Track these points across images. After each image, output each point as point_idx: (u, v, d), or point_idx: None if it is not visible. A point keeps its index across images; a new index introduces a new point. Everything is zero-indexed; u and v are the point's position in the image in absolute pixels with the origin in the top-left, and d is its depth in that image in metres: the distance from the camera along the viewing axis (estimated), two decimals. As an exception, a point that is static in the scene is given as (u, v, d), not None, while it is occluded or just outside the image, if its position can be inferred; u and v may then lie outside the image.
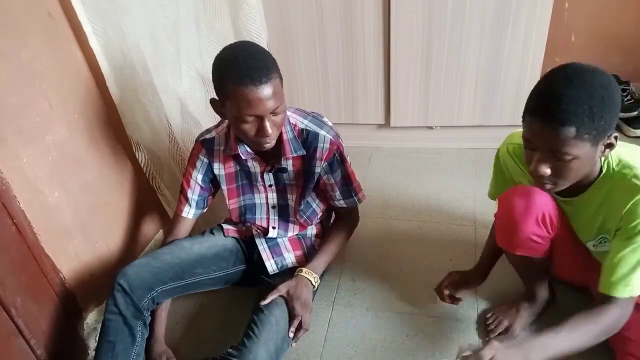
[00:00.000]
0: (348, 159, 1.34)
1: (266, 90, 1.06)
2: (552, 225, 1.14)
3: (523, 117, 0.94)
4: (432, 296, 1.42)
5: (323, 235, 1.49)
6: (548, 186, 0.98)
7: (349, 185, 1.35)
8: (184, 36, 1.61)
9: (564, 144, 0.88)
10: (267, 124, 1.11)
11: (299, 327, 1.24)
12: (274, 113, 1.11)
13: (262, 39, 1.91)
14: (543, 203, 1.11)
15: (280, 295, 1.26)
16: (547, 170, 0.93)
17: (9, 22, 1.10)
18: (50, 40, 1.21)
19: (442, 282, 1.37)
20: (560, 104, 0.86)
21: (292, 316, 1.24)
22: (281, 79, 1.13)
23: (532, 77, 1.91)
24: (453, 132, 2.16)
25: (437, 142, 2.21)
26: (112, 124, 1.44)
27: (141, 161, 1.52)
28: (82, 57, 1.32)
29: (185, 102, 1.65)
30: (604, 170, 1.01)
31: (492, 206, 1.25)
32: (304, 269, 1.33)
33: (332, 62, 2.06)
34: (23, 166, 1.16)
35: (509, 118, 2.03)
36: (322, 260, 1.38)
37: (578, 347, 1.04)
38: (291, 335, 1.23)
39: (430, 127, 2.16)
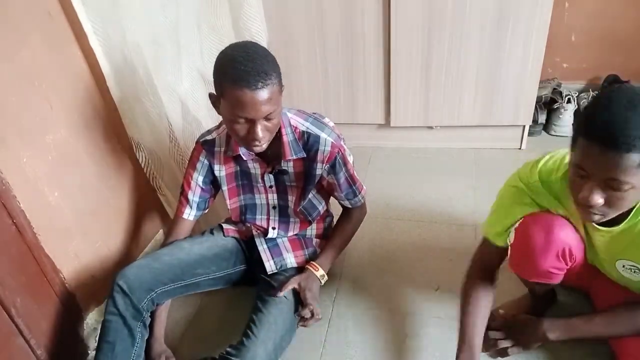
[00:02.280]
0: (351, 159, 1.33)
1: (261, 95, 1.05)
2: (571, 257, 1.08)
3: (574, 140, 0.87)
4: (432, 296, 1.42)
5: (324, 234, 1.49)
6: (597, 217, 0.91)
7: (352, 187, 1.36)
8: (185, 36, 1.61)
9: (625, 172, 0.81)
10: (258, 128, 1.10)
11: (310, 316, 1.26)
12: (267, 118, 1.10)
13: (262, 39, 1.91)
14: (565, 237, 1.05)
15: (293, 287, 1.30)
16: (600, 201, 0.86)
17: (9, 22, 1.10)
18: (50, 40, 1.21)
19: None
20: (625, 128, 0.79)
21: (303, 305, 1.27)
22: (281, 84, 1.11)
23: (532, 77, 1.91)
24: (453, 132, 2.16)
25: (437, 142, 2.21)
26: (112, 124, 1.44)
27: (141, 161, 1.52)
28: (82, 57, 1.32)
29: (186, 102, 1.65)
30: None
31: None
32: (312, 265, 1.36)
33: (332, 62, 2.06)
34: (23, 166, 1.16)
35: (509, 118, 2.04)
36: (329, 256, 1.40)
37: (613, 334, 1.09)
38: (297, 318, 1.26)
39: (431, 127, 2.16)
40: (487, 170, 2.02)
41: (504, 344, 1.26)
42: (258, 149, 1.16)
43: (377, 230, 1.76)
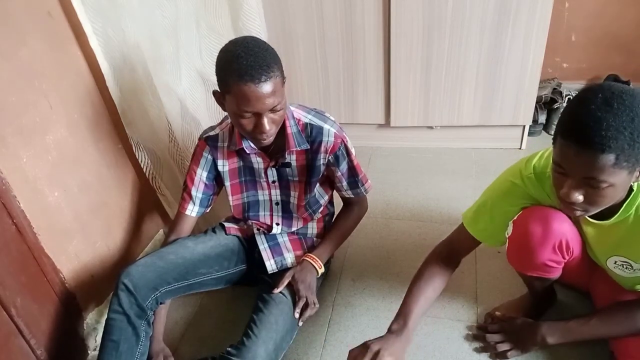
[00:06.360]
0: (353, 151, 1.34)
1: (265, 88, 1.07)
2: (568, 250, 1.09)
3: (554, 139, 0.88)
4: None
5: (324, 234, 1.49)
6: (578, 212, 0.92)
7: (355, 177, 1.37)
8: (184, 36, 1.61)
9: (601, 171, 0.81)
10: (265, 121, 1.11)
11: (305, 307, 1.27)
12: (273, 110, 1.12)
13: (262, 39, 1.91)
14: (562, 229, 1.07)
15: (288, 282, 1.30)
16: (579, 198, 0.87)
17: (9, 22, 1.10)
18: (50, 40, 1.21)
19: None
20: (599, 129, 0.79)
21: (297, 298, 1.27)
22: (283, 76, 1.13)
23: (532, 77, 1.91)
24: (453, 132, 2.16)
25: (437, 142, 2.21)
26: (112, 124, 1.44)
27: (141, 161, 1.52)
28: (82, 57, 1.32)
29: (185, 102, 1.65)
30: (634, 189, 0.95)
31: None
32: (309, 256, 1.36)
33: (332, 62, 2.06)
34: (23, 166, 1.16)
35: (509, 118, 2.04)
36: (326, 248, 1.41)
37: (611, 335, 1.10)
38: (297, 315, 1.25)
39: (431, 127, 2.16)
40: (487, 170, 2.02)
41: (503, 347, 1.26)
42: (265, 142, 1.17)
43: (377, 230, 1.76)
